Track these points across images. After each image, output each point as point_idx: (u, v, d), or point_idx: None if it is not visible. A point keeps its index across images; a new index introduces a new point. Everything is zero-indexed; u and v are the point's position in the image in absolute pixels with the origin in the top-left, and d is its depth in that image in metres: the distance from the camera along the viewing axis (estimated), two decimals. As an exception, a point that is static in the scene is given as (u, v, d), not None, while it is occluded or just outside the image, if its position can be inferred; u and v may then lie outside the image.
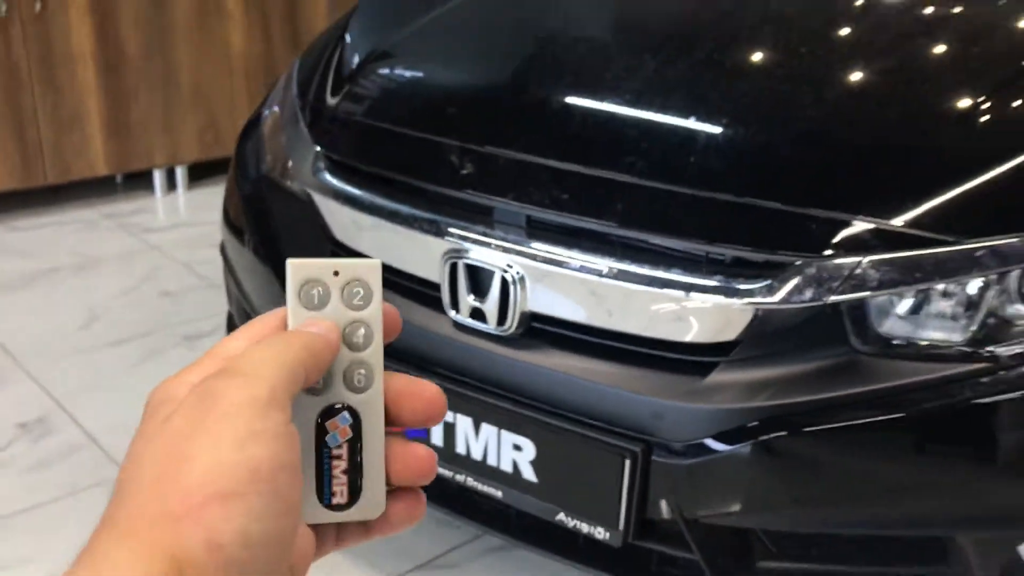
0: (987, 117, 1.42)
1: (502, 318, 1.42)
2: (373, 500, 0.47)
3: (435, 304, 1.49)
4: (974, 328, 1.26)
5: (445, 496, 1.53)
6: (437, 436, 1.47)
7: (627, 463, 1.32)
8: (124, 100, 3.47)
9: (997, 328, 1.25)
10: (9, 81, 3.21)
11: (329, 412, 0.46)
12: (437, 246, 1.47)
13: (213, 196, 3.23)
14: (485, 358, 1.44)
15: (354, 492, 0.47)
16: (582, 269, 1.37)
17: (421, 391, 0.48)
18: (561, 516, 1.40)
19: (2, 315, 2.74)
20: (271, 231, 1.80)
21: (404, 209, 1.53)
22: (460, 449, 1.46)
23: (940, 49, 1.63)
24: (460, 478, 1.48)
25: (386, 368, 0.48)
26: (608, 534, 1.36)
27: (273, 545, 0.40)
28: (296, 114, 1.84)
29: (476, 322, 1.44)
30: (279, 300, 0.60)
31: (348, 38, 1.95)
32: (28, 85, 3.25)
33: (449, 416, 1.46)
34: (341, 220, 1.63)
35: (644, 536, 1.38)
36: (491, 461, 1.44)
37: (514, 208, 1.45)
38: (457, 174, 1.53)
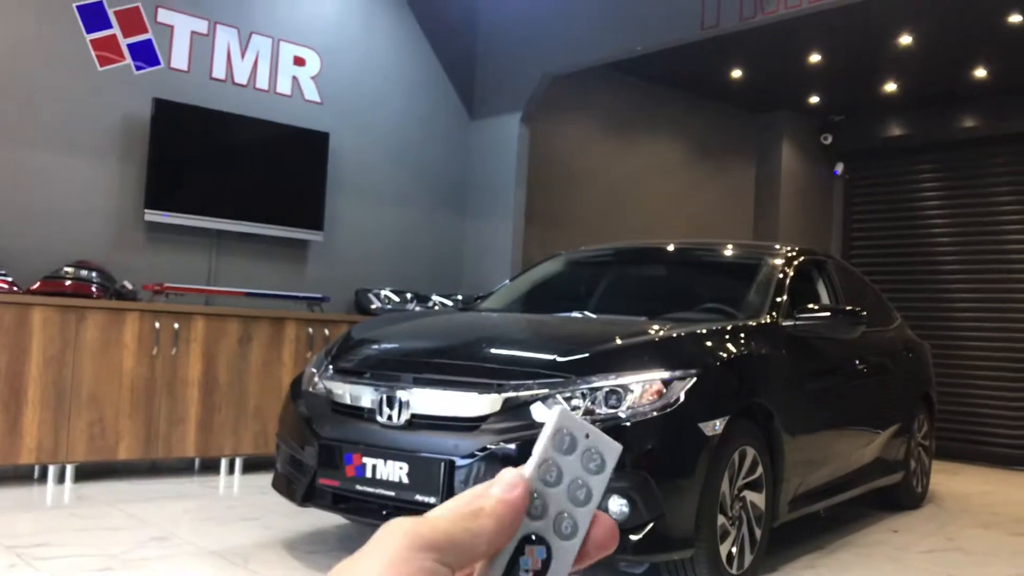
0: (617, 342, 3.50)
1: (399, 418, 3.37)
2: None
3: (372, 418, 3.45)
4: (589, 407, 3.21)
5: (360, 506, 3.35)
6: (368, 471, 3.33)
7: (443, 466, 3.19)
8: (212, 412, 5.54)
9: (592, 411, 3.21)
10: (148, 392, 5.32)
11: (532, 539, 0.51)
12: (375, 392, 3.47)
13: (261, 480, 5.16)
14: (392, 435, 3.37)
15: None
16: (432, 396, 3.35)
17: (602, 525, 0.53)
18: (417, 496, 3.23)
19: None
20: (308, 411, 3.79)
21: (364, 383, 3.56)
22: (378, 476, 3.32)
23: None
24: (373, 491, 3.32)
25: None
26: (437, 500, 3.18)
27: None
28: (323, 362, 3.92)
29: (389, 421, 3.39)
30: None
31: (351, 337, 4.10)
32: (158, 395, 5.35)
33: (375, 461, 3.33)
34: (340, 392, 3.64)
35: (452, 504, 3.19)
36: (390, 478, 3.30)
37: (408, 378, 3.47)
38: (382, 372, 3.57)
